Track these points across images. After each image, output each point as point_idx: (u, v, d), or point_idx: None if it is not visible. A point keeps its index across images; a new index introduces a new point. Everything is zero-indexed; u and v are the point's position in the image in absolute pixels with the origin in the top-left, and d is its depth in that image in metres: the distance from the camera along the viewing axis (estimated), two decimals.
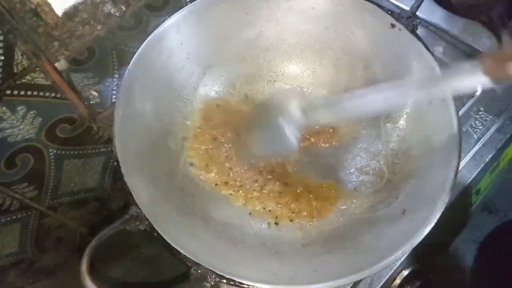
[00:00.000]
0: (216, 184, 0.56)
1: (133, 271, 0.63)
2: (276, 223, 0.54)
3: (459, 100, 0.65)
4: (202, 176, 0.56)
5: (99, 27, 0.50)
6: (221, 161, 0.57)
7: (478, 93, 0.66)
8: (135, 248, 0.65)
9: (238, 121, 0.59)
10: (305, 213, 0.54)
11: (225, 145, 0.58)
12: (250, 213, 0.55)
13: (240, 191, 0.56)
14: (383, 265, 0.40)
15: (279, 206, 0.55)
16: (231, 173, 0.57)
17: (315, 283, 0.41)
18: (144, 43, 0.51)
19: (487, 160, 0.61)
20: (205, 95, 0.60)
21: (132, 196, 0.43)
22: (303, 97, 0.53)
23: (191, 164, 0.57)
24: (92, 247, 0.40)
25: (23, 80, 0.45)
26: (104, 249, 0.41)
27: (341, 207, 0.54)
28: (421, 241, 0.41)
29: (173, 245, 0.41)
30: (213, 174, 0.57)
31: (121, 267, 0.63)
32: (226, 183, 0.56)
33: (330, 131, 0.59)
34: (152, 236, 0.42)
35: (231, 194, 0.56)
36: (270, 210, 0.55)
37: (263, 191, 0.56)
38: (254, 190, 0.56)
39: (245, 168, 0.57)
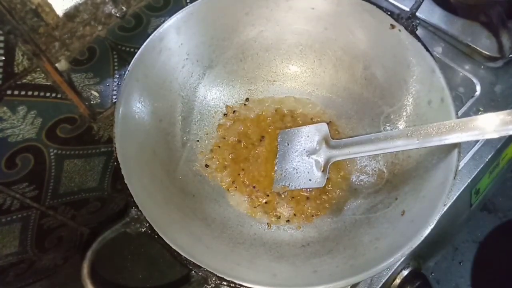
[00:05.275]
0: (223, 183, 0.57)
1: (134, 274, 0.63)
2: (276, 223, 0.54)
3: (459, 100, 0.66)
4: (212, 176, 0.57)
5: (99, 27, 0.50)
6: (237, 161, 0.58)
7: (477, 93, 0.66)
8: (136, 251, 0.65)
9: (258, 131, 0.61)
10: (305, 213, 0.54)
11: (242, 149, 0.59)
12: (250, 213, 0.55)
13: (244, 192, 0.56)
14: (383, 266, 0.40)
15: (279, 206, 0.55)
16: (241, 174, 0.57)
17: (315, 285, 0.41)
18: (145, 43, 0.51)
19: (487, 160, 0.61)
20: (215, 101, 0.62)
21: (132, 198, 0.43)
22: (329, 134, 0.55)
23: (206, 166, 0.58)
24: (93, 250, 0.40)
25: (24, 80, 0.45)
26: (105, 252, 0.41)
27: (341, 208, 0.54)
28: (421, 242, 0.41)
29: (173, 247, 0.41)
30: (222, 175, 0.58)
31: (121, 271, 0.63)
32: (233, 182, 0.57)
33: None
34: (152, 238, 0.42)
35: (235, 194, 0.56)
36: (270, 210, 0.55)
37: (265, 191, 0.56)
38: (256, 191, 0.56)
39: (257, 170, 0.58)
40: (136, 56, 0.51)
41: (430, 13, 0.73)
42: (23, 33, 0.42)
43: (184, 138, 0.58)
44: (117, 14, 0.50)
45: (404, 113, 0.54)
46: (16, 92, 0.45)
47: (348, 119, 0.60)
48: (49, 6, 0.43)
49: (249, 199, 0.56)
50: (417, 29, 0.52)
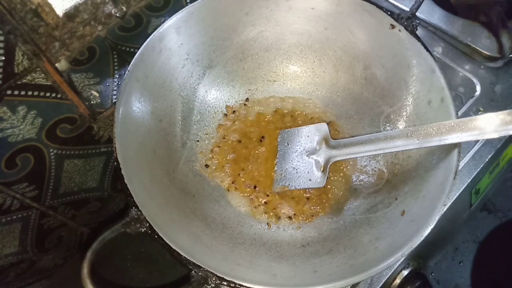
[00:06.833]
0: (223, 183, 0.57)
1: (134, 274, 0.63)
2: (276, 223, 0.54)
3: (459, 100, 0.66)
4: (212, 176, 0.57)
5: (99, 27, 0.50)
6: (237, 161, 0.58)
7: (477, 93, 0.66)
8: (136, 251, 0.65)
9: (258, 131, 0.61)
10: (305, 213, 0.54)
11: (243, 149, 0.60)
12: (250, 213, 0.55)
13: (245, 192, 0.56)
14: (383, 266, 0.40)
15: (279, 206, 0.55)
16: (241, 174, 0.57)
17: (315, 285, 0.41)
18: (145, 43, 0.52)
19: (487, 160, 0.61)
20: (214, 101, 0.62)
21: (132, 198, 0.43)
22: (329, 134, 0.55)
23: (206, 166, 0.58)
24: (93, 250, 0.40)
25: (24, 80, 0.45)
26: (105, 252, 0.41)
27: (341, 208, 0.54)
28: (421, 242, 0.41)
29: (173, 247, 0.41)
30: (222, 175, 0.58)
31: (121, 271, 0.63)
32: (233, 182, 0.57)
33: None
34: (152, 238, 0.42)
35: (235, 194, 0.56)
36: (270, 210, 0.55)
37: (265, 191, 0.56)
38: (256, 191, 0.56)
39: (257, 170, 0.58)
40: (136, 56, 0.51)
41: (430, 13, 0.73)
42: (23, 33, 0.42)
43: (184, 138, 0.58)
44: (117, 14, 0.50)
45: (404, 113, 0.54)
46: (16, 92, 0.45)
47: (348, 119, 0.60)
48: (49, 6, 0.43)
49: (249, 199, 0.56)
50: (417, 29, 0.52)
